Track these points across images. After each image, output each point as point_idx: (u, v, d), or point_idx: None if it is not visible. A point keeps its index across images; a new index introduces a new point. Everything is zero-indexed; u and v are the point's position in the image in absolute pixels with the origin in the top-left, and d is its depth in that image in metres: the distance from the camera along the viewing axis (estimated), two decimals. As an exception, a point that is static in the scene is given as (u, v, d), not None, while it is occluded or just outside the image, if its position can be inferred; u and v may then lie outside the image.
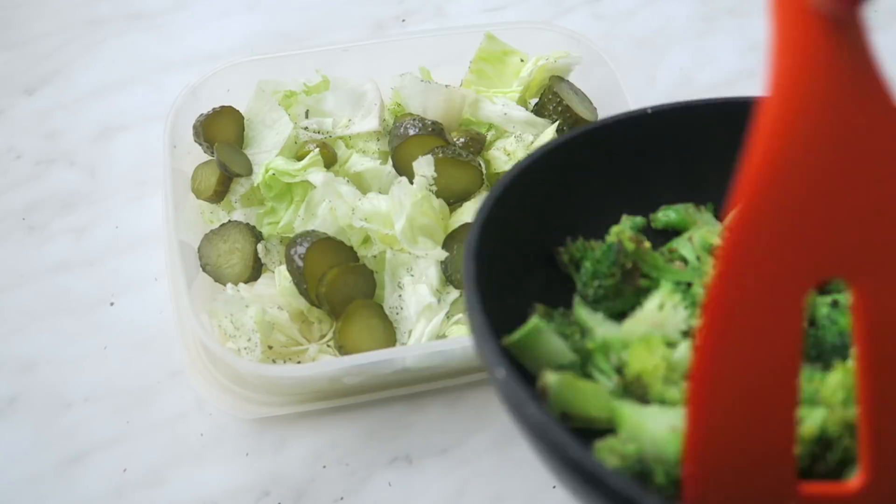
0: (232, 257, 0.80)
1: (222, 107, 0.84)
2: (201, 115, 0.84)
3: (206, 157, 0.85)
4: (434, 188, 0.77)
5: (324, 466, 0.81)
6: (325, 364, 0.73)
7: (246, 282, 0.79)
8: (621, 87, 0.86)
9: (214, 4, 1.09)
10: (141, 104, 0.99)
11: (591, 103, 0.88)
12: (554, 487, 0.81)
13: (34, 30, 1.05)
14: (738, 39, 1.11)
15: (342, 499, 0.80)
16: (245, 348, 0.74)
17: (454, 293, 0.79)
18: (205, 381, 0.81)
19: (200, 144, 0.84)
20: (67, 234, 0.90)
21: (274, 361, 0.76)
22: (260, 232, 0.82)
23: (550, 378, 0.51)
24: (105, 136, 0.97)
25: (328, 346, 0.77)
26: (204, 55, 1.04)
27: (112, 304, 0.87)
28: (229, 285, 0.77)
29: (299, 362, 0.76)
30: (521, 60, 0.87)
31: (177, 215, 0.77)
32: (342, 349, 0.76)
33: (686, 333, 0.53)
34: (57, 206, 0.92)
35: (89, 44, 1.04)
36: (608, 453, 0.47)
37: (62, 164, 0.95)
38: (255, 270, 0.80)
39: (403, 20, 1.09)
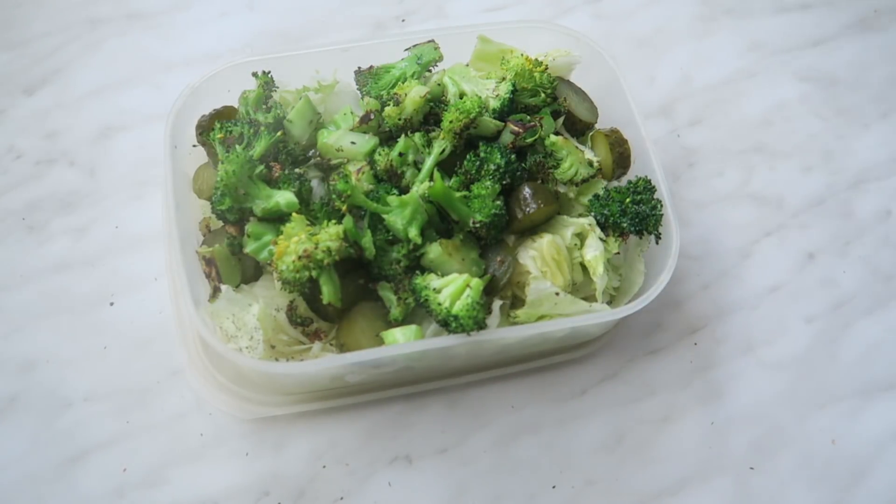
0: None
1: (224, 107, 0.84)
2: (204, 115, 0.84)
3: (206, 158, 0.84)
4: None
5: (324, 466, 0.81)
6: (328, 360, 0.72)
7: (246, 283, 0.79)
8: (622, 87, 0.86)
9: (214, 4, 1.09)
10: (141, 104, 0.99)
11: (591, 103, 0.88)
12: (554, 487, 0.82)
13: (34, 30, 1.05)
14: (737, 39, 1.11)
15: (342, 499, 0.80)
16: (247, 347, 0.74)
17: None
18: (204, 380, 0.81)
19: (203, 145, 0.84)
20: (67, 234, 0.90)
21: (276, 360, 0.76)
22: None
23: None
24: (105, 136, 0.97)
25: (331, 344, 0.77)
26: (204, 55, 1.04)
27: (112, 303, 0.87)
28: (227, 287, 0.77)
29: (302, 360, 0.76)
30: (512, 55, 0.86)
31: (178, 214, 0.77)
32: (343, 347, 0.76)
33: None
34: (57, 206, 0.92)
35: (89, 44, 1.04)
36: None
37: (62, 164, 0.95)
38: (256, 270, 0.80)
39: (403, 20, 1.09)
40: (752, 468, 0.83)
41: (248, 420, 0.81)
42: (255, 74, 0.84)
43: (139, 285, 0.87)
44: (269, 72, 0.84)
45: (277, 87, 0.85)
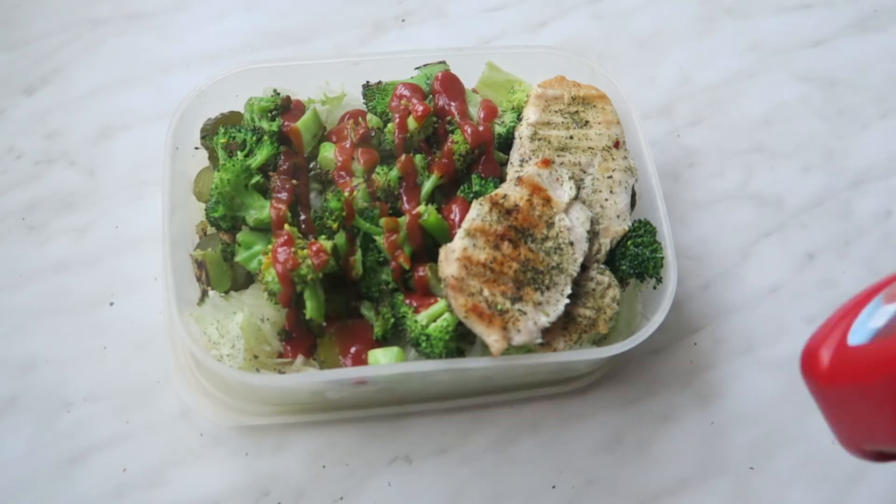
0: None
1: (231, 112, 0.84)
2: (209, 118, 0.83)
3: (208, 160, 0.84)
4: None
5: (324, 466, 0.81)
6: (307, 376, 0.72)
7: (237, 290, 0.79)
8: (633, 119, 0.85)
9: (214, 4, 1.09)
10: (141, 104, 0.99)
11: None
12: (553, 487, 0.81)
13: (34, 30, 1.05)
14: (737, 39, 1.11)
15: (342, 499, 0.80)
16: (228, 355, 0.73)
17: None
18: (189, 386, 0.80)
19: (207, 147, 0.83)
20: (67, 234, 0.90)
21: (257, 370, 0.75)
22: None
23: None
24: (105, 136, 0.97)
25: (314, 359, 0.77)
26: (204, 55, 1.04)
27: (112, 304, 0.87)
28: (214, 293, 0.77)
29: (283, 373, 0.76)
30: (520, 87, 0.85)
31: (172, 218, 0.77)
32: (324, 364, 0.76)
33: None
34: (57, 206, 0.92)
35: (89, 44, 1.04)
36: None
37: (62, 164, 0.95)
38: (248, 278, 0.79)
39: (403, 20, 1.09)
40: (752, 468, 0.83)
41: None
42: (274, 92, 0.84)
43: (139, 285, 0.87)
44: (280, 93, 0.83)
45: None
